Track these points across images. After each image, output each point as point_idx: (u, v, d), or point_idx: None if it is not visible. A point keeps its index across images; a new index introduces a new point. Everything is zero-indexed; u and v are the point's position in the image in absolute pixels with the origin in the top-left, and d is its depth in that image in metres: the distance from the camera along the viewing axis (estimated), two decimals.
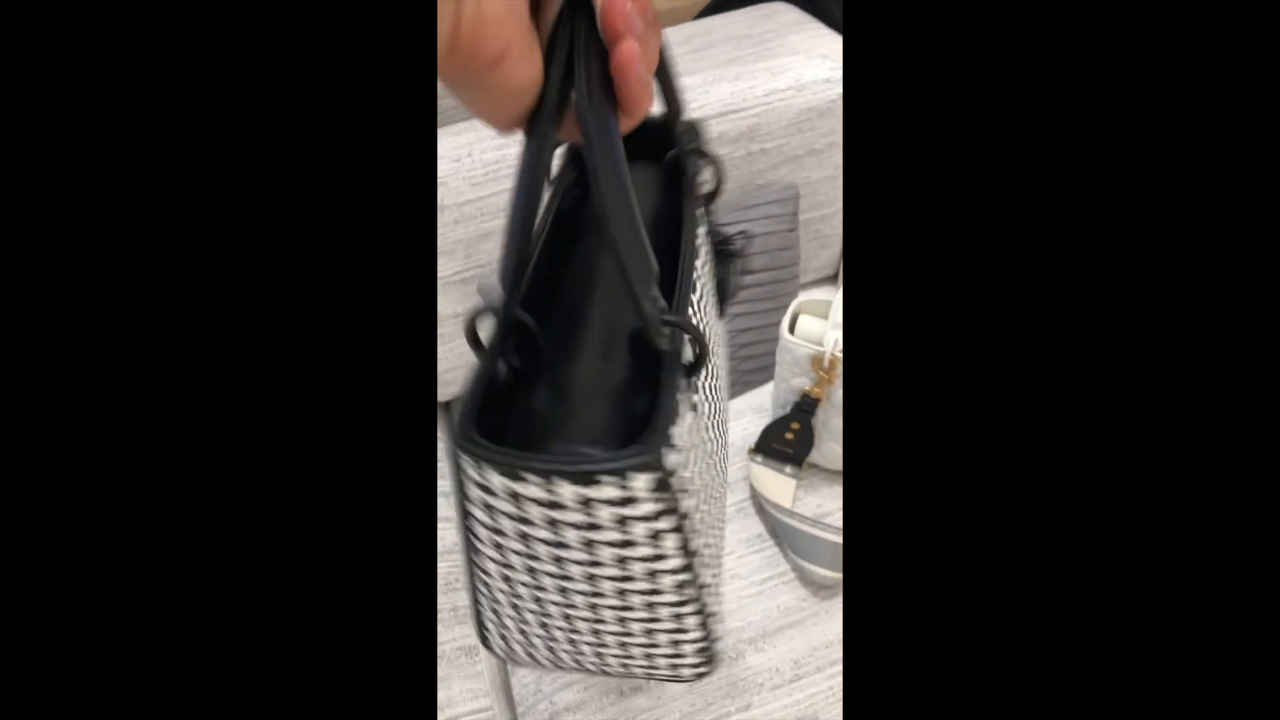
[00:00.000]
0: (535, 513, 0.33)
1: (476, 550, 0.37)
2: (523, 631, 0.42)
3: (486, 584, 0.39)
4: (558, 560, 0.35)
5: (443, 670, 1.05)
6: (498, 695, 1.05)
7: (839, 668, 1.01)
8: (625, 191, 0.31)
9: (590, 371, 0.37)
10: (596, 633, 0.41)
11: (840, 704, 0.96)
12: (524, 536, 0.34)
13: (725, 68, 1.27)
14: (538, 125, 0.30)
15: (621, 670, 0.45)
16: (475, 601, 0.42)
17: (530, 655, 0.45)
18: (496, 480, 0.32)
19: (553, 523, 0.33)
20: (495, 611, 0.42)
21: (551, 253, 0.43)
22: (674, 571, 0.36)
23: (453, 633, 1.10)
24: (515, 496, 0.32)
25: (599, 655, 0.43)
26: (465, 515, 0.35)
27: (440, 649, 1.07)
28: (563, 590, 0.37)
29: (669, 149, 0.50)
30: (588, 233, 0.45)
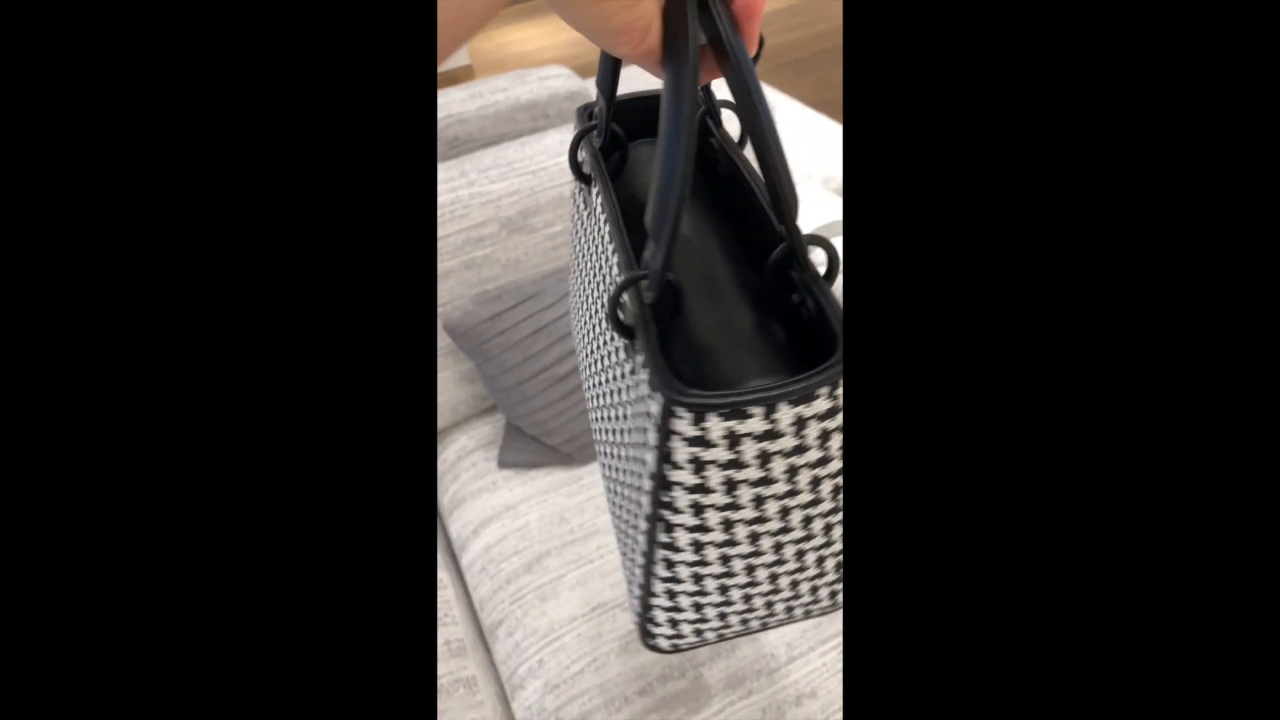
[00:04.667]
0: (750, 451, 0.34)
1: (669, 529, 0.38)
2: (698, 606, 0.43)
3: (670, 566, 0.40)
4: (758, 502, 0.36)
5: (443, 704, 1.07)
6: None
7: (829, 644, 1.08)
8: (774, 123, 0.33)
9: (722, 317, 0.40)
10: (774, 576, 0.42)
11: (836, 677, 1.06)
12: (729, 485, 0.35)
13: None
14: (682, 61, 0.30)
15: (786, 616, 0.47)
16: (647, 603, 0.44)
17: (699, 635, 0.46)
18: (717, 426, 0.33)
19: (764, 456, 0.34)
20: (672, 597, 0.43)
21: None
22: (835, 476, 0.37)
23: (448, 665, 1.09)
24: (732, 438, 0.33)
25: (769, 605, 0.44)
26: (664, 487, 0.36)
27: (439, 682, 1.07)
28: (754, 538, 0.38)
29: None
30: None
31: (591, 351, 0.51)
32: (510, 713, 1.12)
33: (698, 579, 0.41)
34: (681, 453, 0.34)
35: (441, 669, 1.08)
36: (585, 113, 0.51)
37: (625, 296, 0.37)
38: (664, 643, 0.47)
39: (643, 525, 0.40)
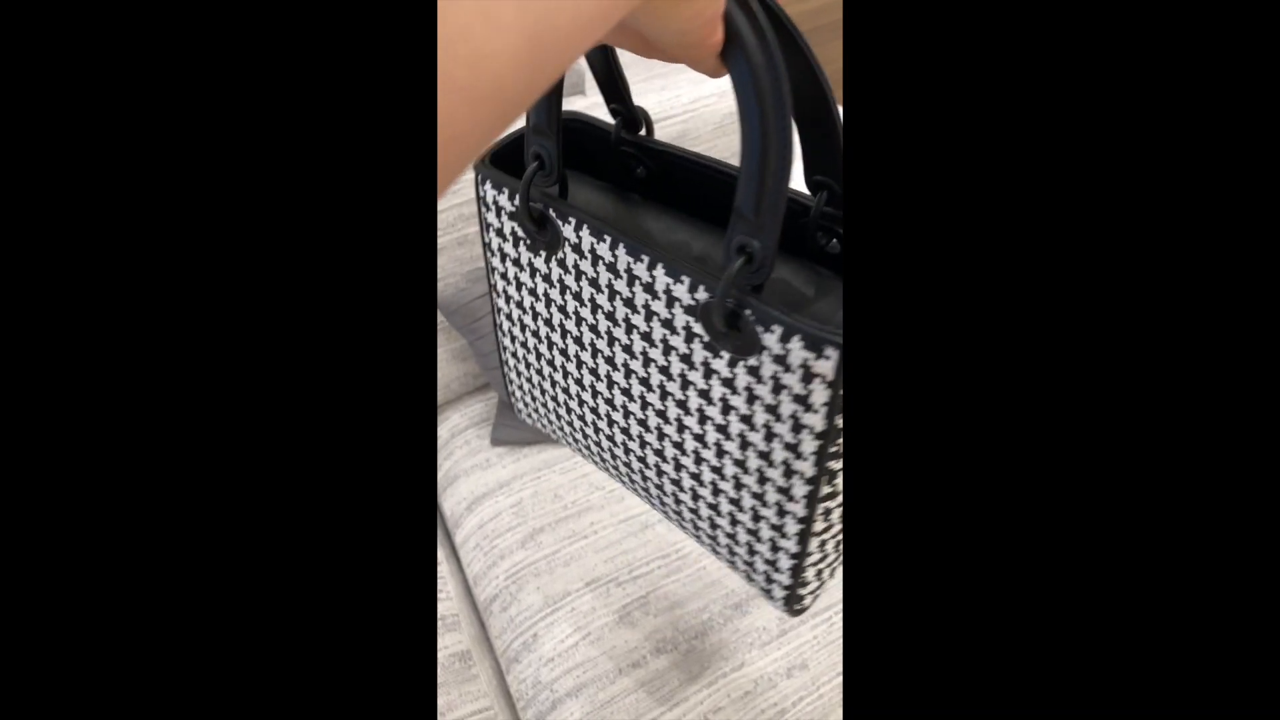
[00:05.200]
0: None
1: (832, 478, 0.40)
2: (837, 545, 0.46)
3: (828, 515, 0.43)
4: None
5: (439, 678, 1.08)
6: (496, 695, 1.09)
7: (820, 618, 1.10)
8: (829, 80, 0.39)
9: (773, 279, 0.43)
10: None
11: (826, 649, 1.08)
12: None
13: (649, 80, 1.27)
14: (760, 38, 0.32)
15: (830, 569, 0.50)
16: (799, 570, 0.46)
17: (833, 574, 0.50)
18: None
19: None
20: (822, 546, 0.45)
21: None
22: None
23: (443, 640, 1.10)
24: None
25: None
26: (833, 439, 0.38)
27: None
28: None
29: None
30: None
31: (607, 385, 0.50)
32: (506, 686, 1.13)
33: (841, 517, 0.43)
34: (814, 401, 0.37)
35: (438, 643, 1.09)
36: (489, 159, 0.49)
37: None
38: (809, 599, 0.49)
39: (800, 492, 0.41)
